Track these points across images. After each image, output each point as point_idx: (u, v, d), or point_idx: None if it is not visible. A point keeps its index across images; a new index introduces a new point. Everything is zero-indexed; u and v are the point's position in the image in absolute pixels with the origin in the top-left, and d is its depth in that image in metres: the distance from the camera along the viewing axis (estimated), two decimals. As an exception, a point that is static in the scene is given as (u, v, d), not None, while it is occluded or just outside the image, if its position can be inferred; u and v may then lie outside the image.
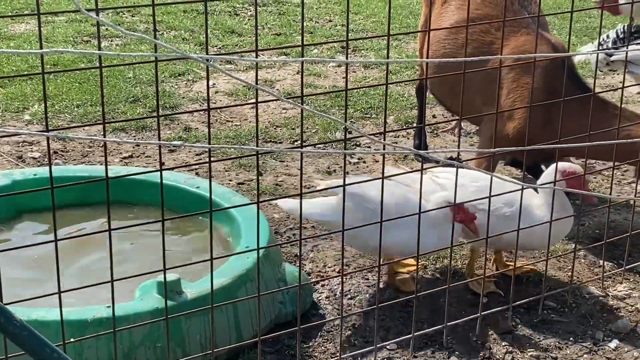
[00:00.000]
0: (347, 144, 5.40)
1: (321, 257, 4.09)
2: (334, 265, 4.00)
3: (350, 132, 5.14)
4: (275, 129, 5.76)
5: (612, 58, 5.52)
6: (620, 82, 3.80)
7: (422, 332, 3.42)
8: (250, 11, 8.75)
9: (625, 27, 5.78)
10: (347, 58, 2.77)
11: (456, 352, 3.42)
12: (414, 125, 5.78)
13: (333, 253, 4.10)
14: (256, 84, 2.55)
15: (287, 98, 2.91)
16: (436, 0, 4.92)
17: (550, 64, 4.19)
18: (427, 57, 4.81)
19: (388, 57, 3.03)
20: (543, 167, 4.44)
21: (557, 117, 3.59)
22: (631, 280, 3.93)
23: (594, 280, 3.87)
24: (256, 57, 2.63)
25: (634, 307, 3.68)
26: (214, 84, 6.49)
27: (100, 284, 2.54)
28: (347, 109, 6.10)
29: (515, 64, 4.26)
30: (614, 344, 3.48)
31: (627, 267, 3.94)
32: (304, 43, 2.74)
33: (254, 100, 5.99)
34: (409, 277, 3.85)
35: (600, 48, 5.72)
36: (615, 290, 3.83)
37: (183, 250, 3.70)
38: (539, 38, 4.35)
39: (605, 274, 3.86)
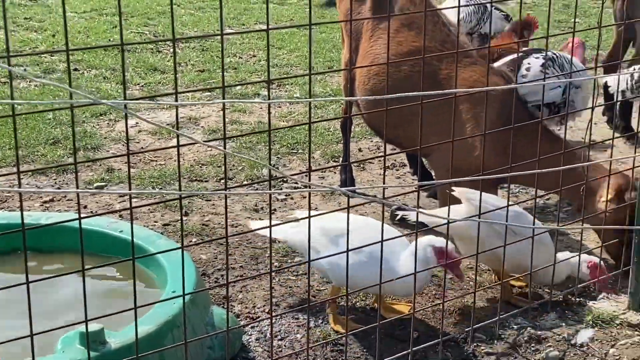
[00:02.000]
0: (274, 181, 5.42)
1: (250, 298, 4.03)
2: (264, 306, 3.95)
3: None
4: (200, 167, 5.70)
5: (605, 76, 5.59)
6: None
7: (353, 371, 3.39)
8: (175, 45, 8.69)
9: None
10: (269, 98, 2.75)
11: (388, 390, 3.39)
12: (340, 159, 5.78)
13: (262, 293, 4.05)
14: (177, 129, 2.51)
15: (209, 141, 2.87)
16: (363, 35, 4.94)
17: (503, 94, 4.24)
18: (358, 90, 4.86)
19: (310, 96, 3.02)
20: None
21: (513, 147, 3.65)
22: (558, 309, 3.97)
23: (522, 311, 3.89)
24: (176, 100, 2.59)
25: (561, 337, 3.71)
26: (137, 122, 6.40)
27: (19, 338, 2.45)
28: (274, 145, 6.11)
29: (466, 93, 4.29)
30: (543, 374, 3.50)
31: (554, 296, 3.98)
32: (225, 84, 2.71)
33: (176, 142, 5.93)
34: (342, 317, 3.80)
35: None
36: (543, 319, 3.86)
37: (107, 298, 3.60)
38: (485, 68, 4.42)
39: (532, 304, 3.89)
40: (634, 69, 5.06)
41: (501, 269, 3.97)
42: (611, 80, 4.92)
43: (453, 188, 3.96)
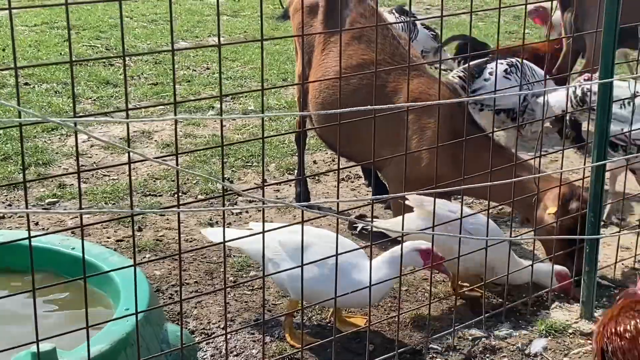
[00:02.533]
0: (229, 195, 5.39)
1: (205, 314, 4.01)
2: (219, 322, 3.93)
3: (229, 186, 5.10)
4: (154, 181, 5.66)
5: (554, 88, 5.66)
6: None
7: (309, 385, 3.38)
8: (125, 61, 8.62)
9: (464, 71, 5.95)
10: (221, 113, 2.74)
11: (345, 404, 3.39)
12: (295, 172, 5.78)
13: (217, 309, 4.03)
14: (128, 145, 2.48)
15: (161, 156, 2.85)
16: (316, 48, 4.95)
17: (449, 105, 4.28)
18: (310, 104, 4.87)
19: (263, 110, 3.02)
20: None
21: (461, 157, 3.69)
22: (512, 319, 4.00)
23: (477, 321, 3.92)
24: (127, 116, 2.57)
25: (515, 347, 3.74)
26: (89, 137, 6.34)
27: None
28: (229, 158, 6.09)
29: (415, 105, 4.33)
30: (498, 384, 3.53)
31: (508, 306, 4.01)
32: (177, 100, 2.69)
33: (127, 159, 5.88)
34: (298, 331, 3.79)
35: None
36: (497, 330, 3.89)
37: (60, 317, 3.55)
38: (433, 80, 4.47)
39: (486, 315, 3.92)
40: (576, 86, 5.14)
41: (467, 274, 4.01)
42: (552, 98, 4.98)
43: (407, 197, 3.98)
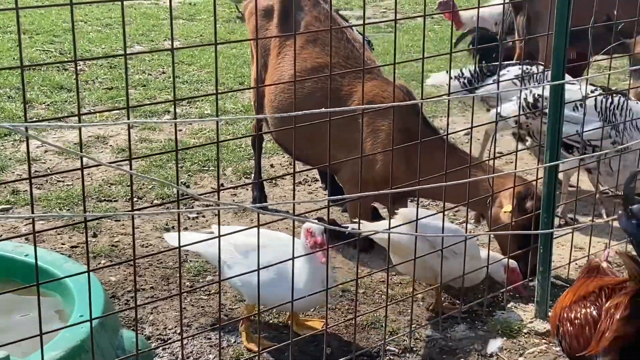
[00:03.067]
0: (186, 200, 5.36)
1: (161, 319, 3.98)
2: (175, 327, 3.90)
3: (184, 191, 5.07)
4: (109, 187, 5.61)
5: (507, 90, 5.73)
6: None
7: (267, 389, 3.37)
8: (80, 66, 8.55)
9: (477, 68, 6.05)
10: (175, 117, 2.73)
11: (302, 407, 3.39)
12: (252, 176, 5.77)
13: (174, 314, 4.01)
14: (80, 150, 2.46)
15: (115, 162, 2.81)
16: (271, 52, 4.95)
17: (402, 107, 4.31)
18: (266, 107, 4.86)
19: (218, 114, 3.01)
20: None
21: (414, 158, 3.71)
22: (468, 320, 4.03)
23: (433, 323, 3.94)
24: (79, 121, 2.55)
25: (471, 348, 3.77)
26: (42, 143, 6.26)
27: None
28: (185, 162, 6.06)
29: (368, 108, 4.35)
30: (454, 385, 3.55)
31: (464, 307, 4.05)
32: (130, 105, 2.67)
33: (84, 161, 5.82)
34: (255, 335, 3.77)
35: (457, 80, 5.95)
36: (453, 331, 3.91)
37: (14, 324, 3.50)
38: (386, 83, 4.49)
39: (442, 316, 3.94)
40: (526, 95, 5.21)
41: (432, 281, 4.03)
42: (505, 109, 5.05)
43: (397, 212, 3.97)
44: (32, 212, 2.39)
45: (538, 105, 5.04)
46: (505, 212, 4.20)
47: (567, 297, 3.00)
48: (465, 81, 6.01)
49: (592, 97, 4.95)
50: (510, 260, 4.13)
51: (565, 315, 2.92)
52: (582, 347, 2.84)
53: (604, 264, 3.04)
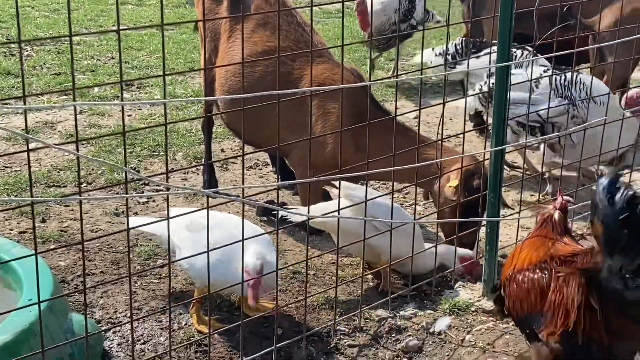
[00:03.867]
0: (136, 185, 5.34)
1: (112, 303, 3.97)
2: (126, 310, 3.90)
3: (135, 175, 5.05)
4: (58, 172, 5.56)
5: (454, 70, 5.81)
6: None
7: (218, 370, 3.39)
8: (27, 51, 8.44)
9: (463, 42, 6.12)
10: (121, 99, 2.73)
11: (253, 387, 3.41)
12: (202, 160, 5.76)
13: (124, 298, 4.00)
14: (27, 132, 2.45)
15: (62, 144, 2.79)
16: (222, 35, 4.94)
17: (353, 89, 4.34)
18: (217, 92, 4.86)
19: (165, 97, 3.01)
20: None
21: (364, 141, 3.74)
22: (417, 299, 4.09)
23: (383, 303, 3.99)
24: (24, 104, 2.53)
25: (420, 326, 3.82)
26: (-10, 128, 6.18)
27: None
28: (135, 147, 6.03)
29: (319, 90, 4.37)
30: (403, 363, 3.61)
31: (413, 287, 4.10)
32: (76, 87, 2.66)
33: (33, 145, 5.76)
34: (206, 317, 3.78)
35: (441, 58, 6.03)
36: (402, 310, 3.96)
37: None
38: (337, 66, 4.52)
39: (392, 296, 3.99)
40: (481, 85, 5.30)
41: (378, 261, 4.08)
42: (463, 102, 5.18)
43: (338, 184, 4.01)
44: (-22, 195, 2.38)
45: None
46: (450, 186, 4.25)
47: (519, 256, 3.04)
48: (450, 58, 6.07)
49: (546, 76, 5.07)
50: (465, 251, 4.18)
51: (513, 276, 2.98)
52: (526, 310, 2.91)
53: (556, 215, 3.07)
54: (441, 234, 4.53)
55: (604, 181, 2.72)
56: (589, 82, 5.19)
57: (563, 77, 5.16)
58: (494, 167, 3.93)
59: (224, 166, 5.87)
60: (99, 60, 8.39)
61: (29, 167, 2.42)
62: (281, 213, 3.91)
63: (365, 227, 3.76)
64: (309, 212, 3.80)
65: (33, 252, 2.91)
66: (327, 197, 4.88)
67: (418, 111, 3.83)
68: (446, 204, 4.33)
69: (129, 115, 6.80)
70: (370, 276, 4.31)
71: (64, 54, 8.40)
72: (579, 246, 2.99)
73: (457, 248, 4.15)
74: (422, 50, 4.30)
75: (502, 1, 3.76)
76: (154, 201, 5.22)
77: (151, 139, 6.22)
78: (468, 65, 4.57)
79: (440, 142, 4.12)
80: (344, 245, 3.93)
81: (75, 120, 2.69)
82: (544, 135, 5.07)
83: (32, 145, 4.43)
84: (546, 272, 2.90)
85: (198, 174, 5.66)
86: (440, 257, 4.11)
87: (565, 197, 3.15)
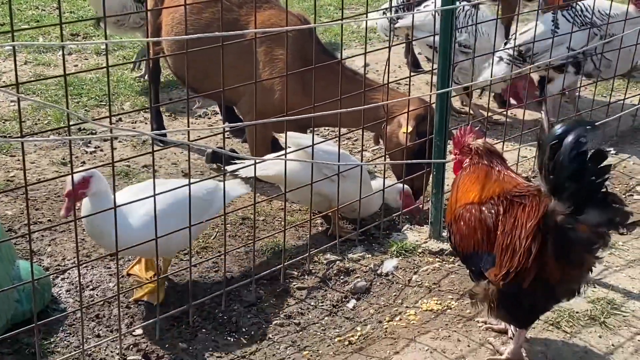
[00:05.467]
0: (83, 134, 5.29)
1: (60, 251, 3.96)
2: (74, 258, 3.89)
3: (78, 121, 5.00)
4: (3, 123, 5.48)
5: (397, 25, 5.82)
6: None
7: (167, 314, 3.41)
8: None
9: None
10: (61, 40, 2.69)
11: (203, 330, 3.44)
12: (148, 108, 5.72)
13: (72, 245, 3.99)
14: (-37, 73, 2.41)
15: (4, 86, 2.75)
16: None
17: (300, 35, 4.32)
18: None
19: (106, 38, 2.97)
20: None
21: (311, 85, 3.74)
22: (365, 242, 4.13)
23: (331, 246, 4.03)
24: (-39, 44, 2.49)
25: (368, 268, 3.87)
26: None
27: None
28: (82, 97, 5.97)
29: (265, 37, 4.34)
30: (351, 304, 3.65)
31: (361, 230, 4.14)
32: (14, 28, 2.62)
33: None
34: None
35: (385, 15, 6.03)
36: (351, 253, 4.01)
37: None
38: (283, 12, 4.50)
39: (340, 239, 4.03)
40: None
41: (327, 207, 4.11)
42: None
43: (285, 135, 4.02)
44: None
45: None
46: (403, 132, 4.28)
47: (464, 192, 3.05)
48: (394, 11, 6.08)
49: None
50: (405, 186, 4.24)
51: (459, 213, 3.01)
52: (472, 248, 2.96)
53: (480, 142, 3.09)
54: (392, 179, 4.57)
55: (570, 138, 2.75)
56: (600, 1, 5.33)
57: (579, 8, 5.33)
58: (440, 110, 3.96)
59: (172, 115, 5.84)
60: (44, 10, 8.24)
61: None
62: (229, 166, 3.94)
63: (313, 174, 3.79)
64: (255, 160, 3.80)
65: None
66: (275, 144, 4.88)
67: (364, 55, 3.84)
68: (396, 147, 4.36)
69: (75, 65, 6.71)
70: (319, 220, 4.34)
71: (6, 4, 8.22)
72: (520, 180, 3.02)
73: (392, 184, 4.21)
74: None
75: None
76: (101, 150, 5.18)
77: (98, 89, 6.15)
78: (413, 19, 4.56)
79: (387, 85, 4.13)
80: (292, 190, 3.95)
81: (15, 61, 2.65)
82: (580, 71, 5.39)
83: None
84: (493, 211, 2.94)
85: (146, 124, 5.62)
86: (382, 196, 4.18)
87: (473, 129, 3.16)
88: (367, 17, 3.83)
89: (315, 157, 3.78)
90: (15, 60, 2.63)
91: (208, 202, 3.61)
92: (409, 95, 4.37)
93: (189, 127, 3.26)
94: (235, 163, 4.12)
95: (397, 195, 4.24)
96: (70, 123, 2.95)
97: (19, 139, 2.68)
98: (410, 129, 4.24)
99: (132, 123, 5.65)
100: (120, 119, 5.63)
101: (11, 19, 2.54)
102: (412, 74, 4.37)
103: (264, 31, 4.09)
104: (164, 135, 4.70)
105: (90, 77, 6.40)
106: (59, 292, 3.61)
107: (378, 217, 4.24)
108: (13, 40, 2.52)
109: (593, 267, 2.90)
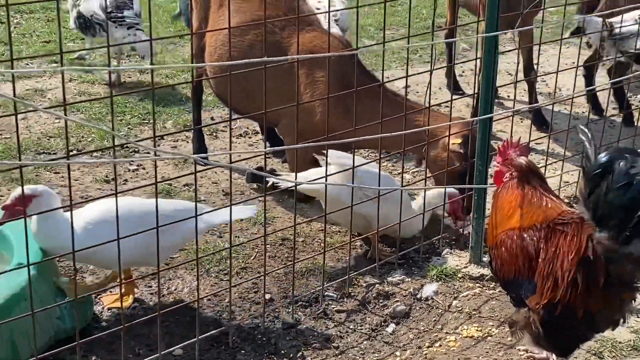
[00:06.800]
0: (126, 152, 5.35)
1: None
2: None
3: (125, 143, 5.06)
4: (48, 139, 5.57)
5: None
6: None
7: (207, 334, 3.42)
8: (16, 19, 8.40)
9: None
10: (109, 65, 2.73)
11: (242, 351, 3.45)
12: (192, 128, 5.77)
13: (114, 263, 4.02)
14: (14, 96, 2.46)
15: (50, 107, 2.81)
16: (212, 5, 4.94)
17: (341, 57, 4.35)
18: (207, 61, 4.86)
19: (152, 63, 3.01)
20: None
21: (352, 107, 3.76)
22: (405, 266, 4.12)
23: (371, 269, 4.02)
24: (12, 68, 2.54)
25: (407, 292, 3.86)
26: (-20, 95, 6.17)
27: None
28: (125, 115, 6.04)
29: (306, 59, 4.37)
30: (390, 328, 3.64)
31: (401, 253, 4.14)
32: (63, 50, 2.67)
33: (21, 113, 5.74)
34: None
35: None
36: (390, 276, 4.00)
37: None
38: (325, 34, 4.53)
39: (380, 262, 4.03)
40: None
41: (367, 229, 4.11)
42: None
43: (328, 153, 4.04)
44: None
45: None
46: (454, 143, 4.26)
47: (506, 216, 3.02)
48: None
49: None
50: (452, 190, 4.21)
51: (501, 239, 2.99)
52: (512, 275, 2.94)
53: (522, 161, 3.06)
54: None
55: (620, 166, 2.72)
56: None
57: None
58: (482, 135, 3.95)
59: (214, 134, 5.88)
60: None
61: (17, 129, 2.43)
62: (270, 180, 3.94)
63: (354, 195, 3.79)
64: (296, 179, 3.81)
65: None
66: (315, 165, 4.90)
67: (405, 79, 3.85)
68: (439, 170, 4.35)
69: (122, 83, 6.79)
70: (358, 243, 4.34)
71: (54, 22, 8.36)
72: (562, 207, 2.99)
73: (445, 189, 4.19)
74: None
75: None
76: (143, 168, 5.23)
77: (141, 107, 6.22)
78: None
79: (428, 108, 4.13)
80: (332, 212, 3.96)
81: (63, 83, 2.70)
82: None
83: (21, 110, 4.42)
84: (534, 238, 2.92)
85: (188, 142, 5.67)
86: (429, 205, 4.17)
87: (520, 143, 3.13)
88: (409, 41, 3.83)
89: (356, 178, 3.79)
90: (63, 83, 2.67)
91: (172, 220, 3.36)
92: (451, 118, 4.36)
93: (230, 149, 3.28)
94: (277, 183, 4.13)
95: (439, 199, 4.21)
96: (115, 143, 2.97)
97: (65, 161, 2.72)
98: (459, 140, 4.23)
99: (174, 141, 5.70)
100: (162, 138, 5.69)
101: (60, 43, 2.58)
102: (453, 97, 4.35)
103: (308, 57, 4.11)
104: (206, 155, 4.75)
105: (134, 95, 6.47)
106: (101, 311, 3.64)
107: (418, 240, 4.23)
108: (62, 62, 2.56)
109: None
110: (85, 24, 6.73)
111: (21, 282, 3.14)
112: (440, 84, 6.76)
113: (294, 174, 4.27)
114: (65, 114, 2.66)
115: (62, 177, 4.99)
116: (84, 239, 3.16)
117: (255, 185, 5.02)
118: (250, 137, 5.91)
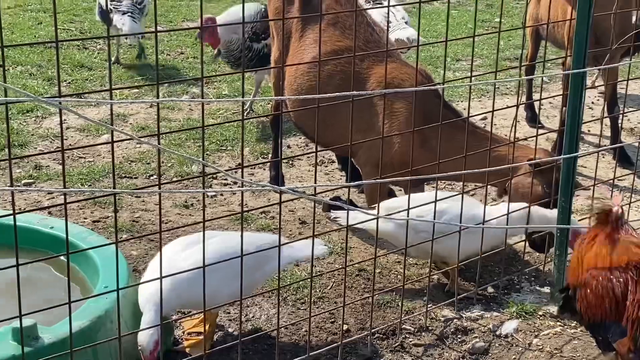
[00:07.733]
0: (204, 179, 5.42)
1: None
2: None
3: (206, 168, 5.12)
4: (129, 164, 5.68)
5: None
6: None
7: (285, 364, 3.44)
8: (100, 44, 8.61)
9: None
10: (202, 97, 2.79)
11: (320, 382, 3.46)
12: (270, 156, 5.83)
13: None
14: (112, 124, 2.52)
15: (143, 137, 2.90)
16: (293, 35, 5.00)
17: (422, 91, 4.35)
18: (286, 90, 4.91)
19: (243, 95, 3.07)
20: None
21: (432, 140, 3.75)
22: (483, 301, 4.09)
23: (449, 303, 4.00)
24: (110, 98, 2.61)
25: (486, 328, 3.83)
26: (65, 119, 6.33)
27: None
28: (200, 141, 6.12)
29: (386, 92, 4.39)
30: (469, 364, 3.61)
31: (480, 288, 4.10)
32: (159, 81, 2.73)
33: (106, 136, 5.89)
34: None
35: None
36: (468, 311, 3.97)
37: (40, 294, 3.58)
38: (405, 66, 4.54)
39: (458, 297, 4.00)
40: None
41: (442, 261, 4.10)
42: None
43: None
44: (64, 186, 2.46)
45: None
46: (531, 157, 4.20)
47: (591, 257, 2.97)
48: None
49: None
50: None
51: (586, 280, 2.93)
52: (599, 317, 2.89)
53: (616, 209, 3.00)
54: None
55: None
56: None
57: None
58: (566, 172, 3.90)
59: (290, 162, 5.93)
60: (169, 55, 8.52)
61: (113, 157, 2.49)
62: (350, 214, 3.95)
63: (434, 230, 3.78)
64: (378, 213, 3.81)
65: (110, 241, 3.00)
66: (392, 196, 4.90)
67: (491, 113, 3.83)
68: (521, 198, 4.30)
69: (192, 110, 6.90)
70: (436, 276, 4.32)
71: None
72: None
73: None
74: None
75: (579, 6, 3.74)
76: (221, 195, 5.30)
77: (219, 134, 6.30)
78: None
79: (513, 142, 4.10)
80: (412, 245, 3.94)
81: (158, 114, 2.76)
82: None
83: (111, 137, 4.52)
84: (621, 280, 2.86)
85: (264, 170, 5.72)
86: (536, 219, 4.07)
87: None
88: (495, 76, 3.82)
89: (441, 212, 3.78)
90: (158, 112, 2.73)
91: (261, 259, 3.45)
92: (535, 151, 4.31)
93: (315, 181, 3.31)
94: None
95: (522, 221, 4.11)
96: (195, 169, 3.01)
97: (157, 189, 2.78)
98: (540, 156, 4.18)
99: (251, 168, 5.76)
100: (239, 164, 5.75)
101: (157, 76, 2.64)
102: (538, 132, 4.31)
103: (394, 91, 4.13)
104: (294, 189, 4.79)
105: (211, 121, 6.57)
106: (181, 336, 3.69)
107: (497, 275, 4.19)
108: (158, 94, 2.62)
109: None
110: (102, 15, 7.53)
111: (106, 305, 3.20)
112: (519, 117, 6.70)
113: (372, 205, 4.29)
114: (159, 142, 2.71)
115: (143, 201, 5.09)
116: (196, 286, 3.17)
117: (332, 215, 5.03)
118: (326, 166, 5.94)
